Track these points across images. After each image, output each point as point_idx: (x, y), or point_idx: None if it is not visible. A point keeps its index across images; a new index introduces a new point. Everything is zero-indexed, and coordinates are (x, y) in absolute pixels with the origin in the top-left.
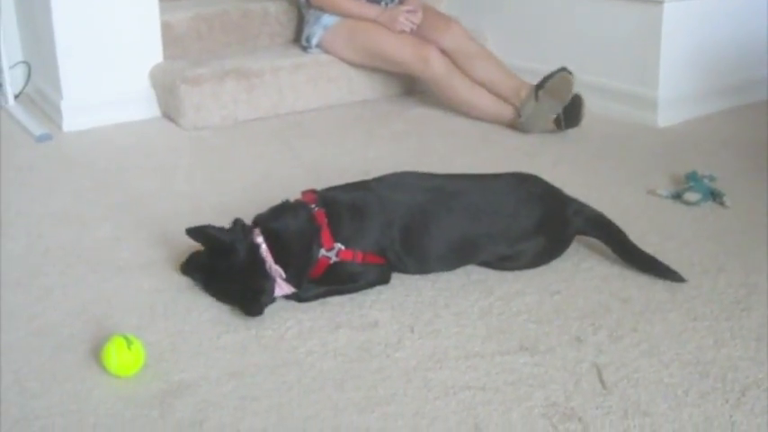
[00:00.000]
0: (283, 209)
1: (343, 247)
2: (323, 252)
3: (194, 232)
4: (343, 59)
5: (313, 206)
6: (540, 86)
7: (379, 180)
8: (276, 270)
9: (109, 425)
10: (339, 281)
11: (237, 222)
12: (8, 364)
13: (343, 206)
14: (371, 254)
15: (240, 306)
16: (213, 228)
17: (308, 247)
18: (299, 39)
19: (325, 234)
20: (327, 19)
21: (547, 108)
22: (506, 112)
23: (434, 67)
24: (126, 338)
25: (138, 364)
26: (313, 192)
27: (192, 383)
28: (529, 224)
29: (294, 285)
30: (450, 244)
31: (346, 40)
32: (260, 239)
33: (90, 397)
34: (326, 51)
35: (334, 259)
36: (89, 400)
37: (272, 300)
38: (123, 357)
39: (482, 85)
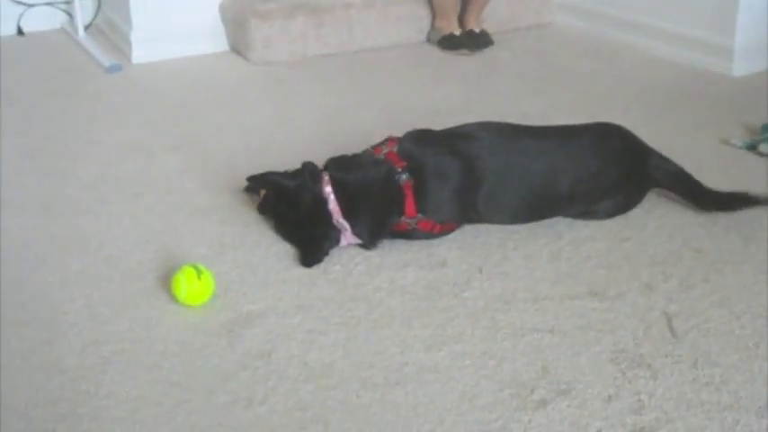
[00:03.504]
0: (365, 164)
1: (423, 218)
2: (404, 219)
3: (256, 179)
4: None
5: (400, 171)
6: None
7: (466, 138)
8: (342, 224)
9: (178, 352)
10: (409, 238)
11: (306, 166)
12: (79, 289)
13: (430, 174)
14: (448, 224)
15: (299, 254)
16: (275, 174)
17: (388, 212)
18: None
19: (410, 204)
20: None
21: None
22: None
23: None
24: (196, 268)
25: (208, 294)
26: (394, 142)
27: (260, 314)
28: (610, 184)
29: (365, 242)
30: (531, 205)
31: None
32: (328, 189)
33: (159, 325)
34: None
35: (412, 226)
36: (158, 328)
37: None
38: (193, 287)
39: None
